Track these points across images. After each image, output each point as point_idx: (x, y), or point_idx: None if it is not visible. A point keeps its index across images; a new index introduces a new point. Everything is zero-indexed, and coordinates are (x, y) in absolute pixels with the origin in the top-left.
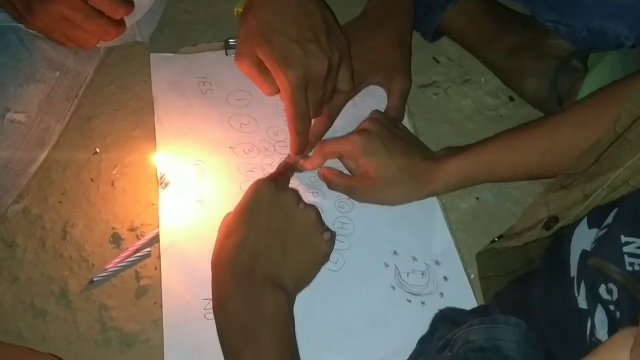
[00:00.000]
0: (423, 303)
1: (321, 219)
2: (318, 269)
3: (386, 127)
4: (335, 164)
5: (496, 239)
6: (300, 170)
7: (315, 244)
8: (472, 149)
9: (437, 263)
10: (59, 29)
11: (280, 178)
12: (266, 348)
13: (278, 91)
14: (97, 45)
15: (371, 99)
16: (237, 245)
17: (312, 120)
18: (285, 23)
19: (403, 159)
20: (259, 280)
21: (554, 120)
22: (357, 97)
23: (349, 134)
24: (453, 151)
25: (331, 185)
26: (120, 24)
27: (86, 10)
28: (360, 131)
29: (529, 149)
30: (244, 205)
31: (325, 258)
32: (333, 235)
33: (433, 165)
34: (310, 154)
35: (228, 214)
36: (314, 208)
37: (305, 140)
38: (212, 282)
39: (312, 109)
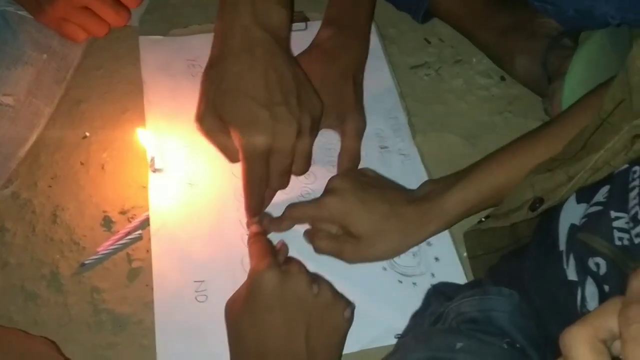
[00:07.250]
0: (414, 284)
1: (337, 292)
2: (342, 346)
3: (355, 179)
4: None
5: (483, 219)
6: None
7: (337, 326)
8: (469, 177)
9: (428, 244)
10: (76, 19)
11: (268, 253)
12: None
13: None
14: None
15: None
16: (257, 349)
17: None
18: (252, 83)
19: (385, 207)
20: None
21: (551, 130)
22: None
23: (319, 198)
24: (441, 184)
25: (318, 250)
26: (128, 10)
27: None
28: (329, 192)
29: (531, 161)
30: (253, 300)
31: (347, 332)
32: (352, 308)
33: (426, 205)
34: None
35: (231, 299)
36: (328, 285)
37: (261, 202)
38: None
39: (276, 178)
